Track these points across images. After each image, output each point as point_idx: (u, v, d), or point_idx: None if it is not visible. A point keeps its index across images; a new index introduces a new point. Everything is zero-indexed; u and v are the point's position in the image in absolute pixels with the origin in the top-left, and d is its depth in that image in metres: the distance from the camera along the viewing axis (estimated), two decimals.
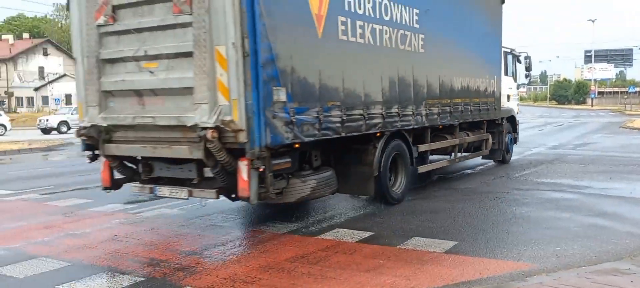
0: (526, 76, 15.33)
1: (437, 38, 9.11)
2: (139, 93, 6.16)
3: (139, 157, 6.66)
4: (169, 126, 5.89)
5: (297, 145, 6.31)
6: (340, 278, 5.03)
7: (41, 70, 68.78)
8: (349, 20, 6.91)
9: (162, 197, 6.93)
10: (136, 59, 6.08)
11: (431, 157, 10.09)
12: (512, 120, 13.78)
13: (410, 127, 8.60)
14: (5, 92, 65.80)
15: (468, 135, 11.13)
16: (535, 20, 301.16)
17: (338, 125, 6.81)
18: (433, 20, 8.93)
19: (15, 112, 65.09)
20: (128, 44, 6.12)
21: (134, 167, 6.88)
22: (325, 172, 7.06)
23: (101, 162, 6.82)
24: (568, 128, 28.02)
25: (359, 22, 7.10)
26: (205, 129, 5.47)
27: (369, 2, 7.27)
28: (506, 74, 13.26)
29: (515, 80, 14.64)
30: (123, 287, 4.94)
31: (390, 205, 8.23)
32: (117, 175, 6.92)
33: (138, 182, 6.84)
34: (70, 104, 62.86)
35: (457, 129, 10.46)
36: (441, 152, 10.60)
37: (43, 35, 74.22)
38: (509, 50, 13.58)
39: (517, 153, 16.37)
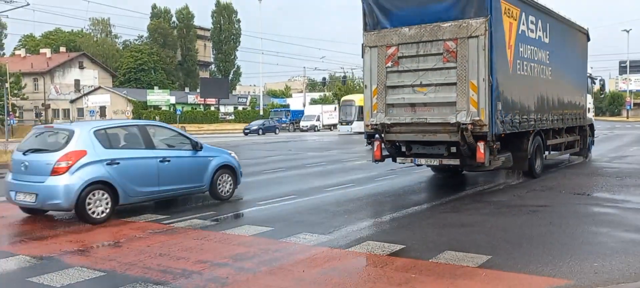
0: (601, 94, 22.19)
1: (557, 69, 13.60)
2: (413, 105, 10.57)
3: (403, 141, 11.26)
4: (435, 123, 10.26)
5: (502, 135, 10.68)
6: None
7: (77, 83, 70.76)
8: (520, 62, 11.46)
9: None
10: (412, 86, 10.50)
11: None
12: (591, 127, 17.88)
13: (545, 127, 13.05)
14: (43, 104, 67.83)
15: (569, 136, 15.25)
16: None
17: (517, 124, 11.30)
18: (555, 57, 13.40)
19: (52, 123, 66.91)
20: (407, 77, 10.58)
21: (398, 148, 11.55)
22: (507, 153, 11.22)
23: (374, 145, 11.55)
24: (604, 140, 27.28)
25: (524, 63, 11.71)
26: (465, 124, 9.81)
27: (527, 51, 11.79)
28: (588, 92, 17.33)
29: (592, 97, 18.88)
30: None
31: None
32: (385, 153, 11.61)
33: (402, 157, 11.48)
34: (105, 115, 64.43)
35: (563, 131, 14.67)
36: (553, 148, 14.71)
37: (79, 49, 76.34)
38: (588, 75, 17.67)
39: (552, 166, 16.04)
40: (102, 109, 63.83)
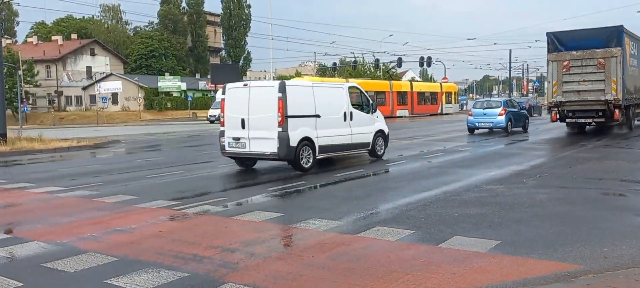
0: None
1: (637, 69, 23.72)
2: (578, 91, 20.93)
3: (570, 110, 21.47)
4: (592, 100, 20.73)
5: (624, 106, 21.00)
6: (382, 276, 5.03)
7: (89, 69, 71.15)
8: (628, 68, 21.42)
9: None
10: (578, 82, 20.86)
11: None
12: None
13: (636, 102, 23.68)
14: (55, 91, 68.39)
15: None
16: None
17: (629, 100, 22.05)
18: (638, 63, 23.63)
19: (64, 110, 67.62)
20: (574, 77, 20.92)
21: (565, 115, 21.73)
22: (624, 116, 21.51)
23: (552, 112, 22.06)
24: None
25: (630, 68, 21.88)
26: (609, 100, 20.20)
27: (632, 61, 22.15)
28: None
29: None
30: (168, 282, 5.07)
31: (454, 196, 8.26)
32: (558, 117, 21.87)
33: (569, 119, 21.87)
34: (117, 103, 64.81)
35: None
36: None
37: (90, 36, 76.65)
38: None
39: (569, 149, 15.95)
40: (114, 96, 64.19)
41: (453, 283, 4.82)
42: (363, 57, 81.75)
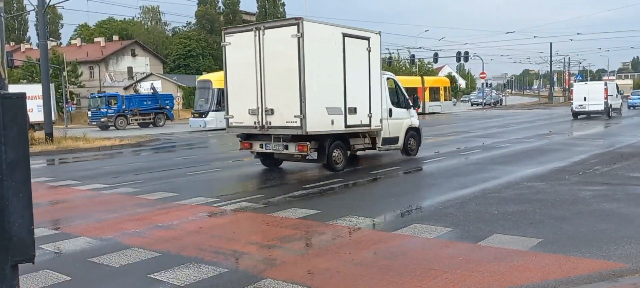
0: None
1: None
2: None
3: None
4: None
5: None
6: (420, 274, 5.00)
7: (130, 70, 72.96)
8: None
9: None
10: None
11: None
12: None
13: None
14: (98, 91, 70.41)
15: None
16: None
17: None
18: None
19: None
20: None
21: None
22: None
23: None
24: None
25: None
26: None
27: None
28: None
29: None
30: (208, 277, 5.18)
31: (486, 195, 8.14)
32: None
33: None
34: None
35: None
36: None
37: (131, 37, 78.56)
38: None
39: (606, 146, 15.48)
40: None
41: (493, 282, 4.76)
42: (398, 54, 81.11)
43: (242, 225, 7.30)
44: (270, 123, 11.49)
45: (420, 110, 44.41)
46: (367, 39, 12.36)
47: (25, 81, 51.05)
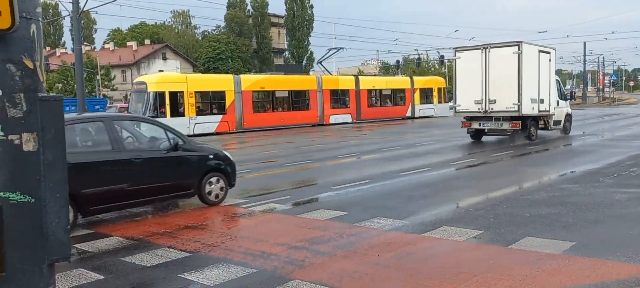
0: None
1: None
2: None
3: None
4: None
5: None
6: (449, 277, 4.95)
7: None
8: None
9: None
10: None
11: None
12: None
13: None
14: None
15: None
16: None
17: None
18: None
19: None
20: None
21: None
22: None
23: None
24: None
25: None
26: None
27: None
28: None
29: None
30: (237, 277, 5.23)
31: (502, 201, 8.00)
32: None
33: None
34: None
35: None
36: None
37: (162, 40, 79.97)
38: None
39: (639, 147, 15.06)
40: None
41: (525, 286, 4.68)
42: (427, 54, 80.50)
43: (270, 226, 7.35)
44: (492, 109, 18.08)
45: (408, 113, 39.55)
46: (549, 52, 19.08)
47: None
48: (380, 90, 38.85)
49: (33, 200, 2.05)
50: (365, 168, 12.69)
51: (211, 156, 9.11)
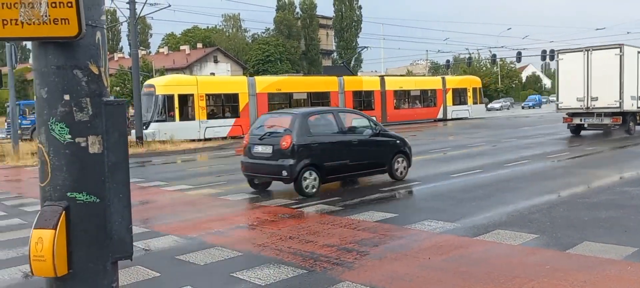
0: None
1: None
2: None
3: None
4: None
5: None
6: (503, 282, 4.83)
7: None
8: None
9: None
10: None
11: None
12: None
13: None
14: None
15: None
16: None
17: None
18: None
19: None
20: None
21: None
22: None
23: None
24: None
25: None
26: None
27: None
28: None
29: None
30: (288, 277, 5.29)
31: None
32: None
33: None
34: None
35: None
36: None
37: (213, 44, 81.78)
38: None
39: None
40: None
41: None
42: (478, 53, 78.76)
43: (320, 227, 7.38)
44: (594, 105, 19.75)
45: (440, 115, 37.62)
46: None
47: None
48: (408, 91, 36.91)
49: (98, 200, 2.15)
50: (413, 170, 12.53)
51: (398, 141, 11.38)
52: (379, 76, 39.14)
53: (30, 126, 31.16)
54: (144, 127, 24.27)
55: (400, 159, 11.21)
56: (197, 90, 26.34)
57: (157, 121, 25.12)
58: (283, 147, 9.66)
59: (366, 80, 35.78)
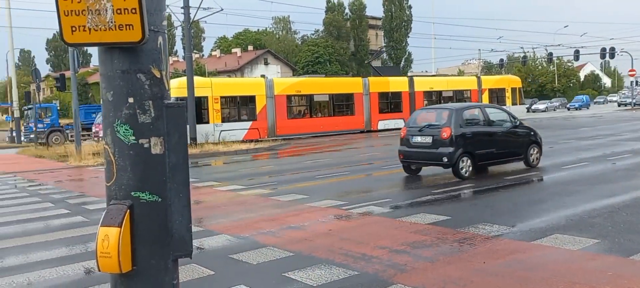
0: None
1: None
2: None
3: None
4: None
5: None
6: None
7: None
8: None
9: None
10: None
11: None
12: None
13: None
14: None
15: None
16: None
17: None
18: None
19: None
20: None
21: None
22: None
23: None
24: None
25: None
26: None
27: None
28: None
29: None
30: (339, 279, 5.29)
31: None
32: None
33: None
34: None
35: None
36: None
37: (264, 46, 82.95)
38: None
39: None
40: None
41: None
42: (533, 52, 76.36)
43: (371, 229, 7.35)
44: None
45: None
46: None
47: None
48: (440, 92, 35.15)
49: (160, 199, 2.22)
50: None
51: (532, 133, 12.81)
52: (408, 76, 37.80)
53: (45, 130, 31.23)
54: None
55: (534, 149, 12.68)
56: (212, 92, 26.23)
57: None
58: (443, 137, 11.31)
59: (393, 81, 34.28)
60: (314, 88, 30.38)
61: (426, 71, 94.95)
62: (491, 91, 36.91)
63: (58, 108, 35.56)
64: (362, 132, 30.99)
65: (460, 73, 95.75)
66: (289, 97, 28.91)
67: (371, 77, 34.35)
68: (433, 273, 5.30)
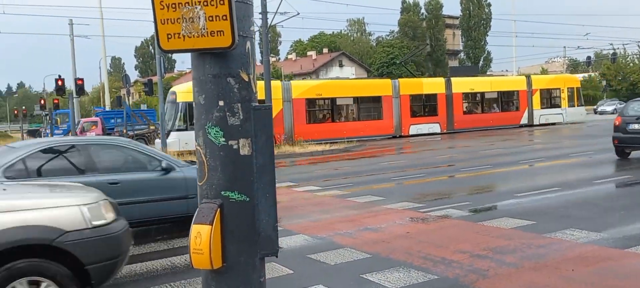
0: None
1: None
2: None
3: None
4: None
5: None
6: None
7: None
8: None
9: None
10: None
11: None
12: None
13: None
14: None
15: None
16: None
17: None
18: None
19: None
20: None
21: None
22: None
23: None
24: None
25: None
26: None
27: None
28: None
29: None
30: (418, 282, 5.22)
31: None
32: None
33: None
34: None
35: None
36: None
37: (338, 49, 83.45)
38: None
39: None
40: None
41: None
42: (624, 48, 71.49)
43: (450, 232, 7.19)
44: None
45: (524, 120, 32.47)
46: None
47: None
48: (482, 94, 32.39)
49: (248, 199, 2.31)
50: (549, 175, 11.74)
51: None
52: (444, 77, 34.60)
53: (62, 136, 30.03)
54: (165, 136, 22.65)
55: None
56: None
57: (177, 130, 23.17)
58: None
59: (427, 83, 32.15)
60: (337, 91, 28.98)
61: (506, 70, 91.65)
62: (542, 91, 33.75)
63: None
64: (393, 137, 29.36)
65: (544, 72, 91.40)
66: (308, 101, 27.55)
67: (402, 78, 32.63)
68: (518, 280, 5.10)
